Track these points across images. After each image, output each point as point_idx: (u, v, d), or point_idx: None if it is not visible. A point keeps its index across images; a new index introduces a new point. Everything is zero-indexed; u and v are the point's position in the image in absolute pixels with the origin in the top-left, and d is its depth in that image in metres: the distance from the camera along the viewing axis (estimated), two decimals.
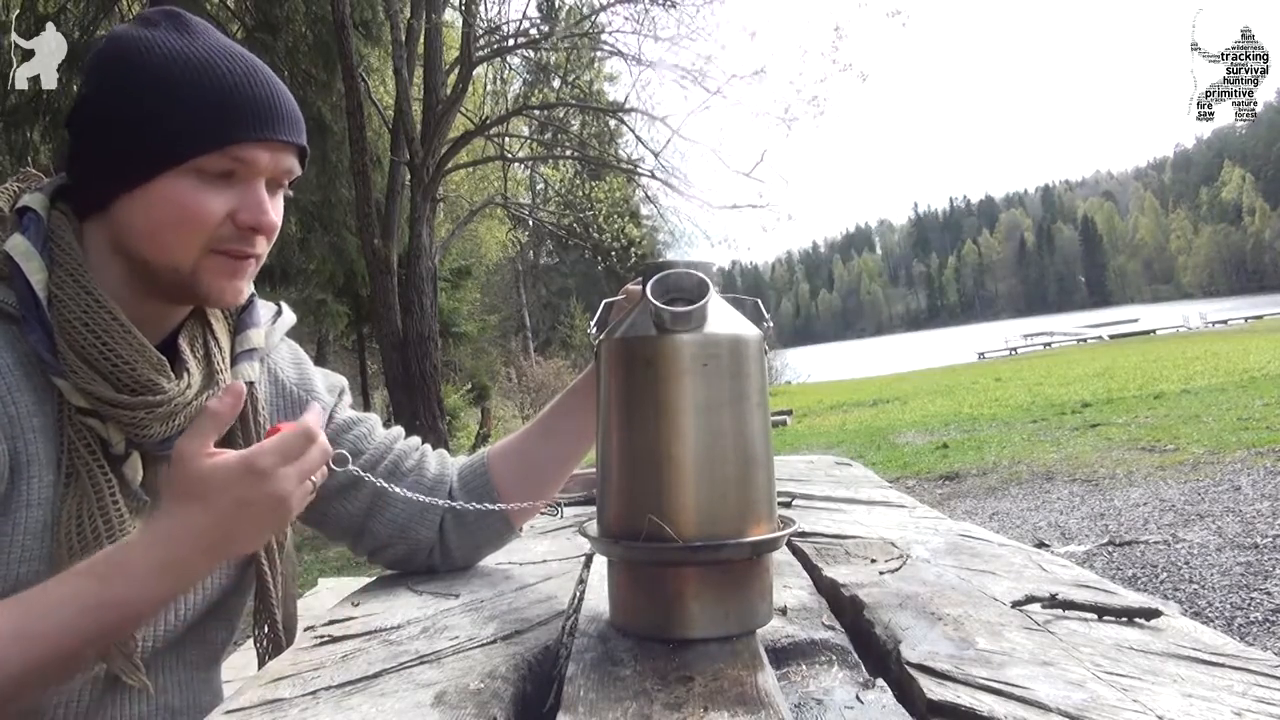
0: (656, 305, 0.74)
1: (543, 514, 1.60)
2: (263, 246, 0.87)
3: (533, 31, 10.82)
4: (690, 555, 0.73)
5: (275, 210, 0.86)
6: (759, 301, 0.84)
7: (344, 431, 1.07)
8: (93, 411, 0.80)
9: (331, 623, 0.95)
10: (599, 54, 11.73)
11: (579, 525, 0.85)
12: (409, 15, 9.35)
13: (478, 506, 1.05)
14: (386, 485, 0.99)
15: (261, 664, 0.97)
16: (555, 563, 1.15)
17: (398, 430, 1.13)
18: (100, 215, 0.83)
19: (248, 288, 0.90)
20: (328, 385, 1.09)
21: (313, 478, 0.80)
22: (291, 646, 0.91)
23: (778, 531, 0.77)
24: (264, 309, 1.01)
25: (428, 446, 1.14)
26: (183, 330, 0.90)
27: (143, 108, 0.79)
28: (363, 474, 0.97)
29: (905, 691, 0.64)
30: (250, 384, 0.93)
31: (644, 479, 0.75)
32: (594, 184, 11.68)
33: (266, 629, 0.96)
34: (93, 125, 0.81)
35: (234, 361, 0.93)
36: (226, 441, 0.90)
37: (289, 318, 1.06)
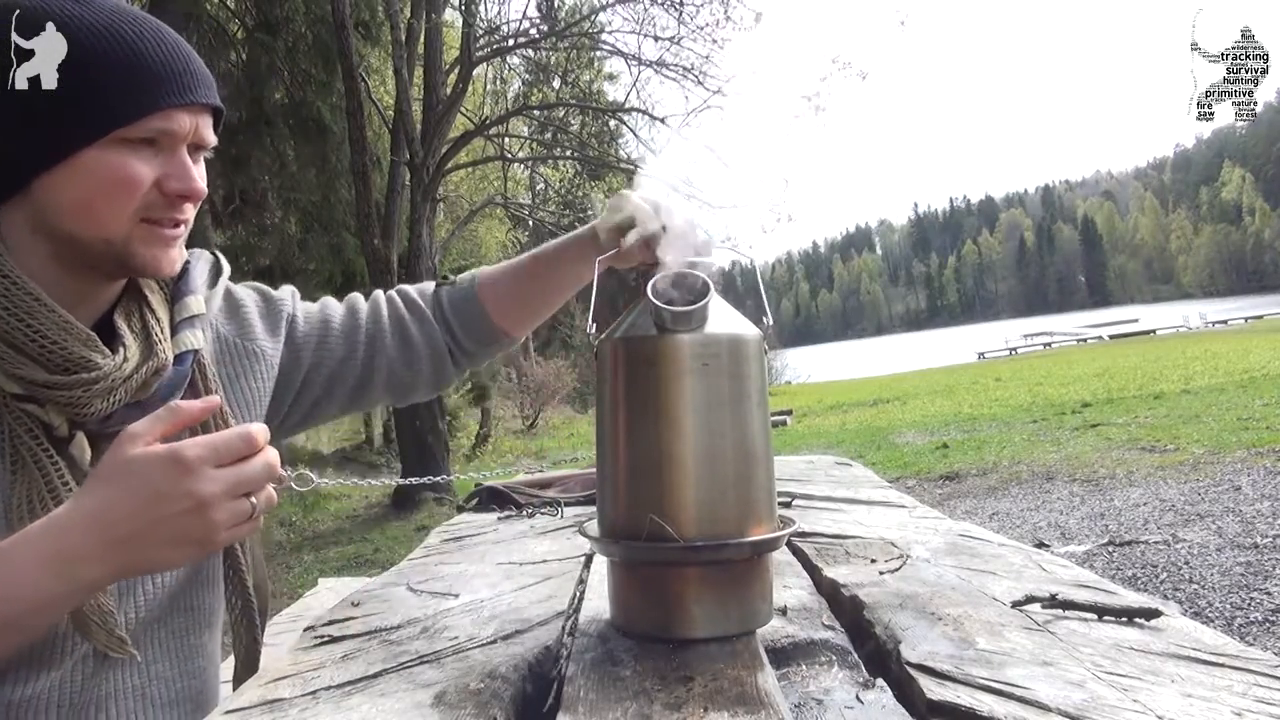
0: (657, 305, 0.74)
1: (543, 514, 1.60)
2: (190, 213, 0.87)
3: (533, 31, 10.82)
4: (691, 555, 0.73)
5: (200, 176, 0.85)
6: (763, 299, 0.84)
7: (319, 347, 1.07)
8: (30, 397, 0.79)
9: (331, 623, 0.95)
10: (599, 54, 11.73)
11: (579, 525, 0.85)
12: (409, 15, 9.35)
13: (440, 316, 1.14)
14: (368, 482, 1.02)
15: (235, 630, 0.95)
16: (555, 563, 1.15)
17: (354, 301, 1.13)
18: (18, 198, 0.81)
19: (181, 256, 0.89)
20: (270, 321, 1.06)
21: (253, 499, 0.72)
22: (291, 646, 0.91)
23: (778, 531, 0.77)
24: (199, 273, 0.98)
25: (391, 296, 1.15)
26: (117, 306, 0.88)
27: (58, 82, 0.77)
28: (325, 482, 0.97)
29: (905, 691, 0.64)
30: (196, 351, 0.91)
31: (644, 479, 0.75)
32: (594, 184, 11.67)
33: (237, 599, 0.94)
34: (2, 107, 0.78)
35: (174, 331, 0.91)
36: None
37: (226, 270, 1.03)
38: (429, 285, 1.18)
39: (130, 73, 0.79)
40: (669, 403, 0.74)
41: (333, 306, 1.12)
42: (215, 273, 1.01)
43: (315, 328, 1.08)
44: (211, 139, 0.87)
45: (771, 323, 0.82)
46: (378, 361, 1.10)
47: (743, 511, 0.75)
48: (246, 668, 0.96)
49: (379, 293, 1.16)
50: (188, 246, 0.93)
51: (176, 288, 0.95)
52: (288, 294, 1.10)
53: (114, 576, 0.73)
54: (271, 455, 0.74)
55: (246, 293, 1.07)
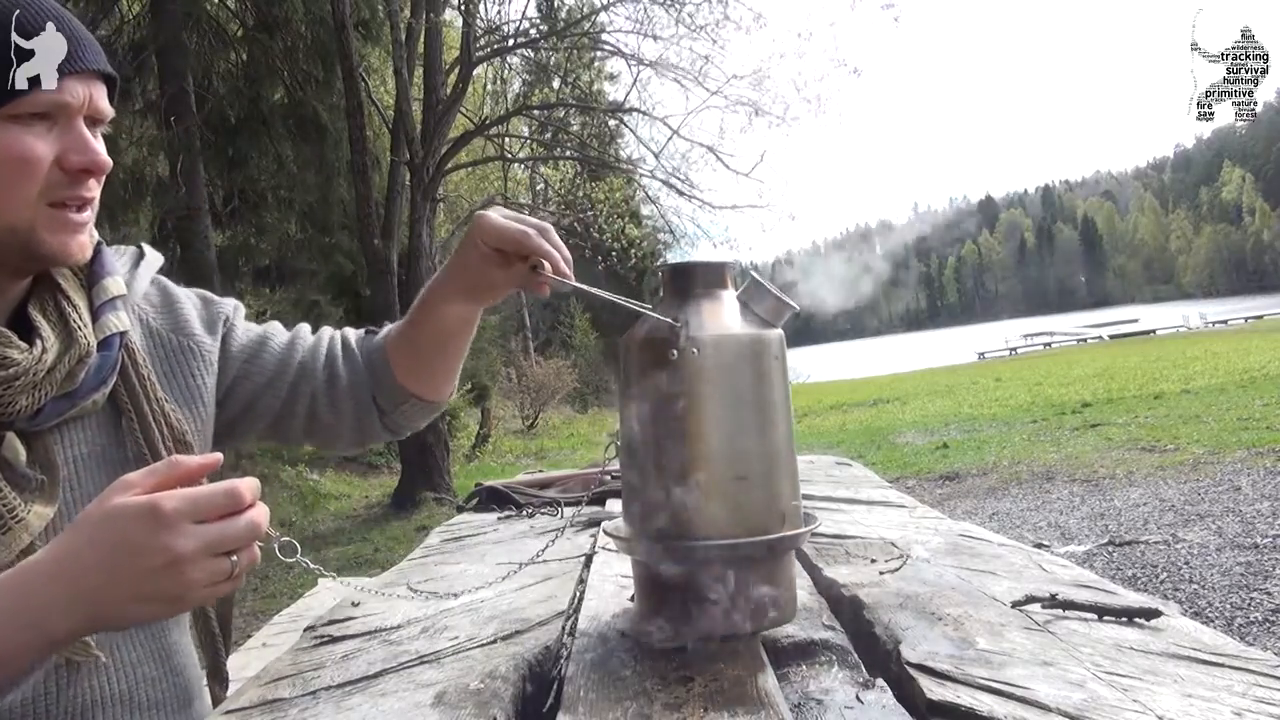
0: (771, 290, 0.77)
1: (543, 514, 1.60)
2: (95, 190, 0.83)
3: (533, 31, 10.82)
4: (716, 553, 0.73)
5: (101, 148, 0.82)
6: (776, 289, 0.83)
7: (249, 361, 1.02)
8: None
9: (331, 623, 0.95)
10: (599, 54, 11.73)
11: (601, 525, 0.85)
12: (409, 15, 9.35)
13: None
14: (322, 569, 0.90)
15: (194, 618, 0.93)
16: (555, 563, 1.15)
17: (298, 330, 1.09)
18: None
19: (91, 240, 0.87)
20: (208, 320, 1.02)
21: (234, 558, 0.67)
22: (291, 646, 0.91)
23: (801, 528, 0.78)
24: (117, 256, 0.95)
25: (333, 334, 1.10)
26: (30, 299, 0.85)
27: None
28: (316, 569, 0.88)
29: (905, 691, 0.64)
30: (123, 333, 0.89)
31: (669, 478, 0.75)
32: (594, 184, 11.68)
33: None
34: None
35: (96, 316, 0.88)
36: (112, 403, 0.88)
37: (154, 259, 1.00)
38: (361, 331, 1.13)
39: (11, 45, 0.75)
40: (694, 403, 0.74)
41: (275, 328, 1.08)
42: (138, 261, 0.98)
43: (252, 340, 1.04)
44: (108, 109, 0.83)
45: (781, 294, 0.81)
46: (301, 390, 1.04)
47: (768, 509, 0.75)
48: (212, 665, 0.94)
49: (325, 329, 1.12)
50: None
51: (91, 271, 0.91)
52: (230, 304, 1.06)
53: (83, 630, 0.68)
54: (257, 513, 0.69)
55: (186, 293, 1.03)
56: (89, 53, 0.81)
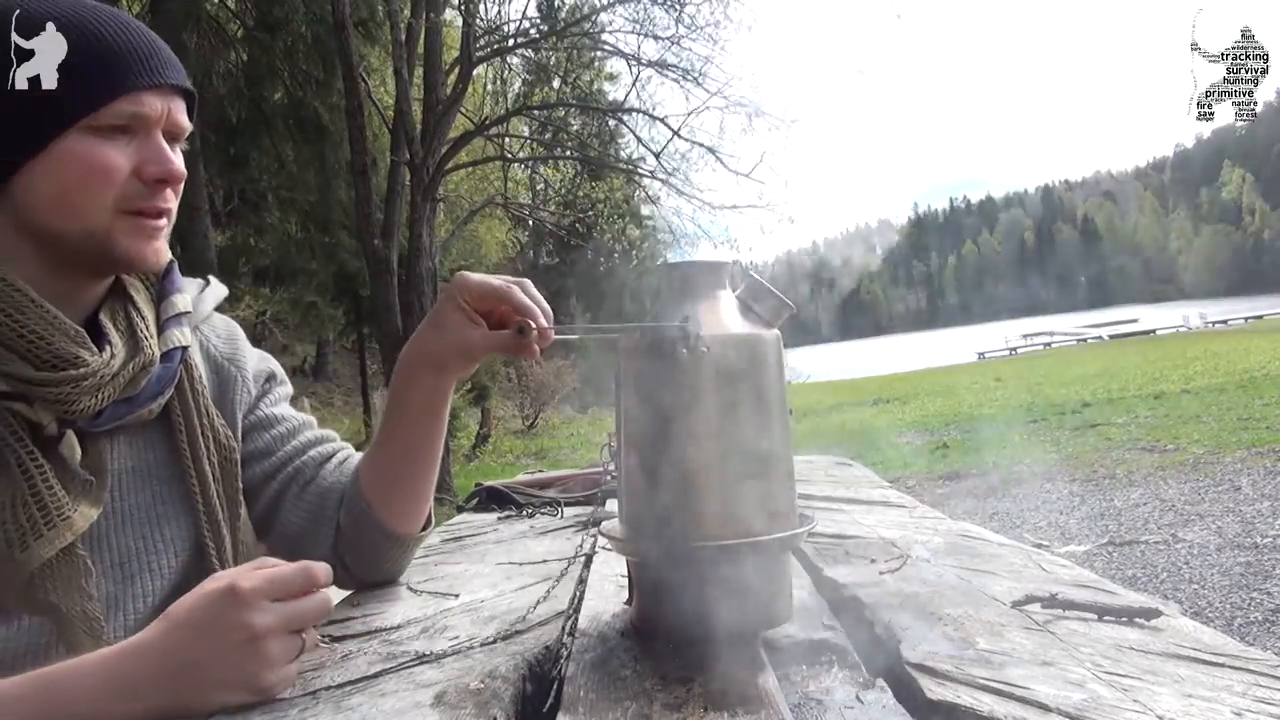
0: (778, 296, 0.78)
1: (543, 514, 1.60)
2: (172, 200, 0.85)
3: (533, 31, 10.82)
4: (713, 554, 0.73)
5: (178, 160, 0.84)
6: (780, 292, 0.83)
7: (261, 429, 1.03)
8: (16, 395, 0.78)
9: (331, 623, 0.95)
10: (599, 54, 11.73)
11: (598, 527, 0.85)
12: (409, 15, 9.34)
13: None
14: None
15: None
16: (555, 563, 1.15)
17: (319, 435, 1.08)
18: (0, 199, 0.80)
19: (166, 249, 0.89)
20: (256, 371, 1.05)
21: (304, 635, 0.71)
22: None
23: (798, 529, 0.77)
24: (189, 281, 0.99)
25: (340, 453, 1.08)
26: (103, 306, 0.88)
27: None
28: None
29: (905, 691, 0.64)
30: (185, 348, 0.91)
31: (666, 479, 0.75)
32: (594, 184, 11.67)
33: None
34: None
35: (161, 329, 0.90)
36: (164, 416, 0.90)
37: (219, 289, 1.04)
38: None
39: (93, 58, 0.78)
40: (691, 403, 0.74)
41: (310, 422, 1.08)
42: (203, 288, 1.02)
43: (280, 413, 1.05)
44: (186, 124, 0.86)
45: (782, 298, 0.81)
46: (275, 483, 1.03)
47: (765, 509, 0.75)
48: None
49: (349, 446, 1.11)
50: (186, 248, 0.93)
51: (162, 286, 0.94)
52: (281, 373, 1.09)
53: (169, 709, 0.68)
54: (326, 596, 0.73)
55: (255, 350, 1.07)
56: (168, 68, 0.83)
